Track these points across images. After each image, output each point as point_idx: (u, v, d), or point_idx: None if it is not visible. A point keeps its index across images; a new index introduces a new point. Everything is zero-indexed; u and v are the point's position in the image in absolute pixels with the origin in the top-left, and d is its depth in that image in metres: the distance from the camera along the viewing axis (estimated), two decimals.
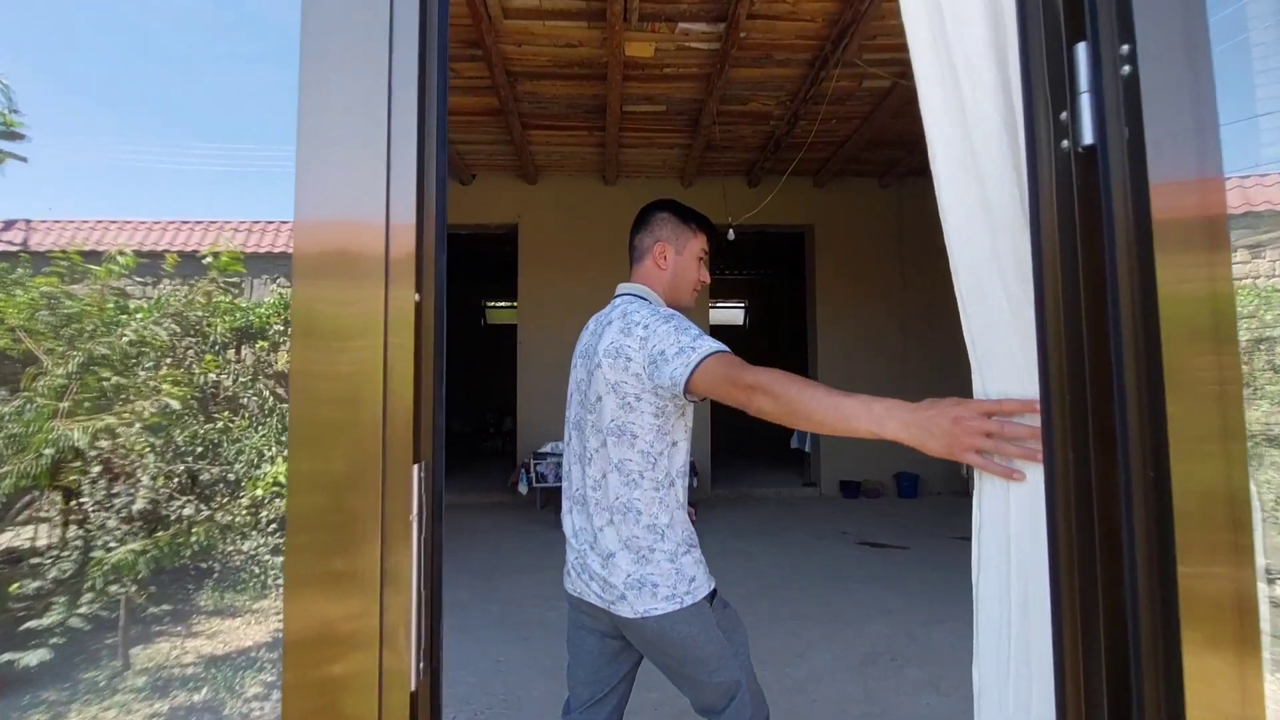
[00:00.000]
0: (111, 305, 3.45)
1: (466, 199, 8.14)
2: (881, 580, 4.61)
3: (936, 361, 8.41)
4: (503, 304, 14.04)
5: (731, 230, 6.73)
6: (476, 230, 8.49)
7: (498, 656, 3.44)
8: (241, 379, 4.09)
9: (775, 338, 14.45)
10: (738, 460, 10.75)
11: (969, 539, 1.00)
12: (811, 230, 8.49)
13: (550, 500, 6.63)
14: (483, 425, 14.16)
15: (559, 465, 6.34)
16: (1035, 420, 0.84)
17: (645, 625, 1.40)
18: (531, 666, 3.32)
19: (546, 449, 6.75)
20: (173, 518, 3.25)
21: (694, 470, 6.46)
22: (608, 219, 8.24)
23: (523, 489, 6.33)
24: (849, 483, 8.06)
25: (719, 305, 14.62)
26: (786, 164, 7.45)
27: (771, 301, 14.69)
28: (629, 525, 1.44)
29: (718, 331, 14.36)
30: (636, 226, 1.72)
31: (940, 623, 3.77)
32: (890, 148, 7.39)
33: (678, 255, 1.67)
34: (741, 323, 15.03)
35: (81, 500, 3.16)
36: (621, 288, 1.69)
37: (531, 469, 6.34)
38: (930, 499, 7.98)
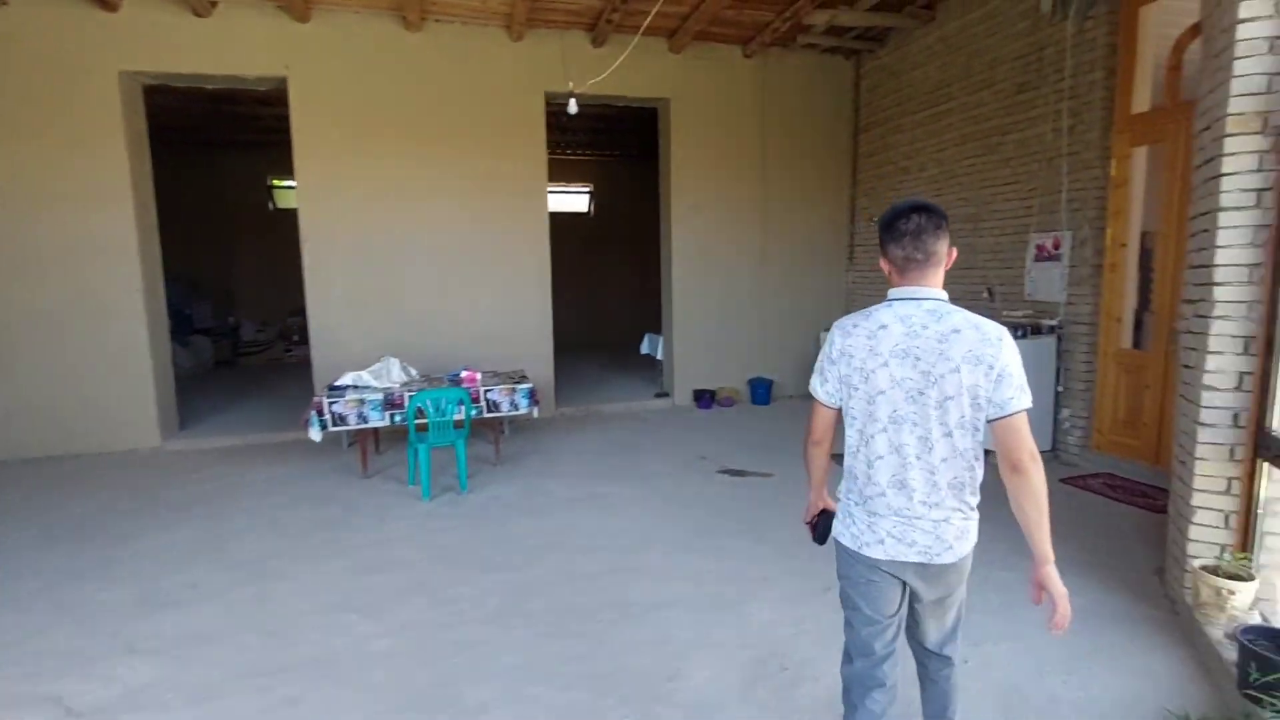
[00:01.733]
0: None
1: (205, 37, 5.84)
2: (752, 530, 4.03)
3: (792, 262, 7.87)
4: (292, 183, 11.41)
5: (574, 101, 5.34)
6: (229, 85, 6.24)
7: None
8: None
9: (625, 227, 13.35)
10: (584, 367, 9.90)
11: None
12: (667, 105, 7.26)
13: (365, 438, 5.31)
14: (285, 332, 11.94)
15: (362, 403, 5.01)
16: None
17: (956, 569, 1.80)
18: None
19: (346, 381, 5.32)
20: None
21: (534, 398, 5.43)
22: (412, 75, 6.41)
23: (314, 434, 4.95)
24: (702, 392, 7.52)
25: (559, 190, 13.08)
26: (639, 19, 6.04)
27: (620, 185, 13.40)
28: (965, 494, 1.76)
29: (558, 219, 12.94)
30: (924, 232, 1.68)
31: (827, 591, 3.23)
32: (759, 6, 6.22)
33: None
34: (586, 209, 13.67)
35: None
36: (924, 291, 1.71)
37: (325, 409, 4.95)
38: (783, 403, 7.71)
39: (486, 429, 5.84)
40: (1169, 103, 4.52)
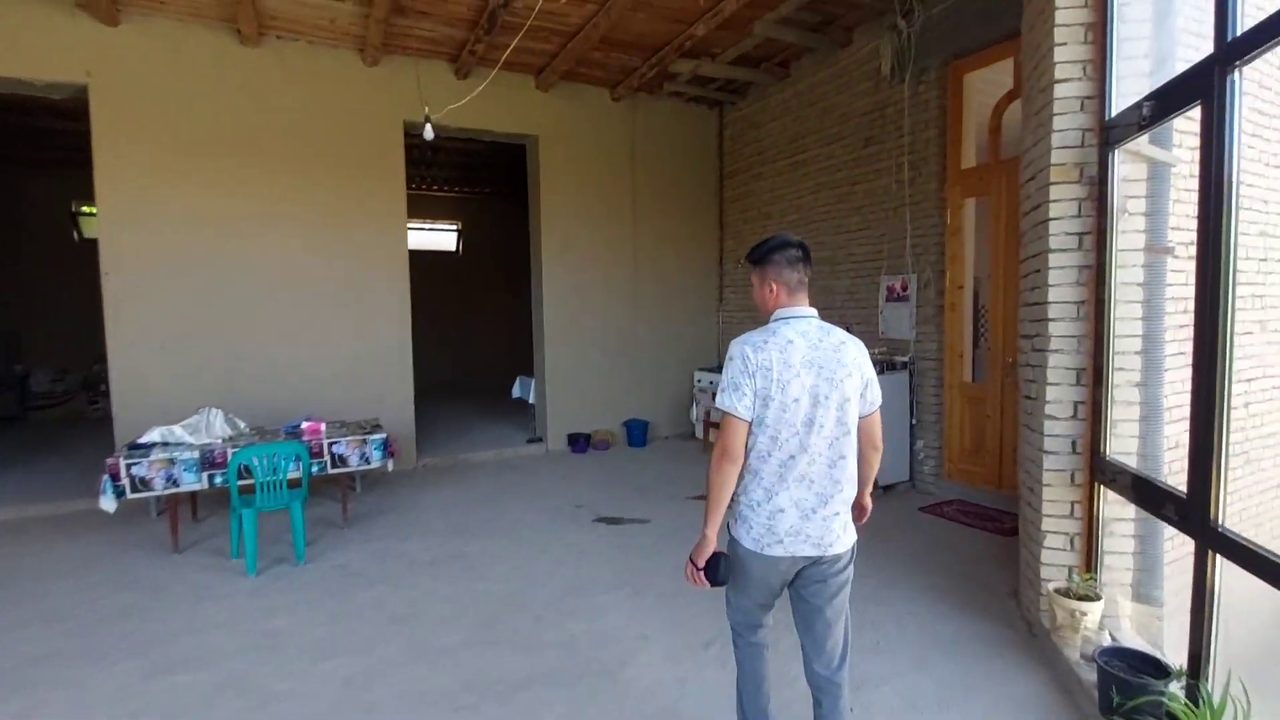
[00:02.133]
0: None
1: None
2: (629, 583, 3.78)
3: (664, 303, 7.91)
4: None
5: (430, 127, 5.04)
6: (12, 90, 5.29)
7: None
8: None
9: (497, 266, 12.94)
10: (452, 414, 9.30)
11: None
12: (536, 142, 7.12)
13: (175, 505, 4.45)
14: (90, 381, 10.23)
15: (172, 463, 4.24)
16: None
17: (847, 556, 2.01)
18: None
19: (153, 437, 4.51)
20: None
21: (389, 450, 4.91)
22: (251, 94, 5.81)
23: (107, 504, 4.09)
24: (577, 435, 7.26)
25: (423, 226, 12.51)
26: (504, 52, 5.88)
27: (490, 224, 13.04)
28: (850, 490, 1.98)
29: (423, 257, 12.31)
30: (806, 260, 2.00)
31: (709, 646, 3.03)
32: (626, 51, 6.30)
33: None
34: (454, 248, 13.14)
35: None
36: (808, 310, 1.97)
37: (123, 472, 4.12)
38: (659, 444, 7.61)
39: (335, 487, 5.19)
40: (992, 160, 5.02)
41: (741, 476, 1.93)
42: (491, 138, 7.06)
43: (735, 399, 1.87)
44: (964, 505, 5.00)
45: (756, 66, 6.70)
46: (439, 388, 11.55)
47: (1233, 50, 1.94)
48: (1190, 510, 2.14)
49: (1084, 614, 2.63)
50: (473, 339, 12.98)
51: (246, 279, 5.86)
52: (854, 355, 1.93)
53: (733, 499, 1.94)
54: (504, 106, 6.80)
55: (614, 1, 5.18)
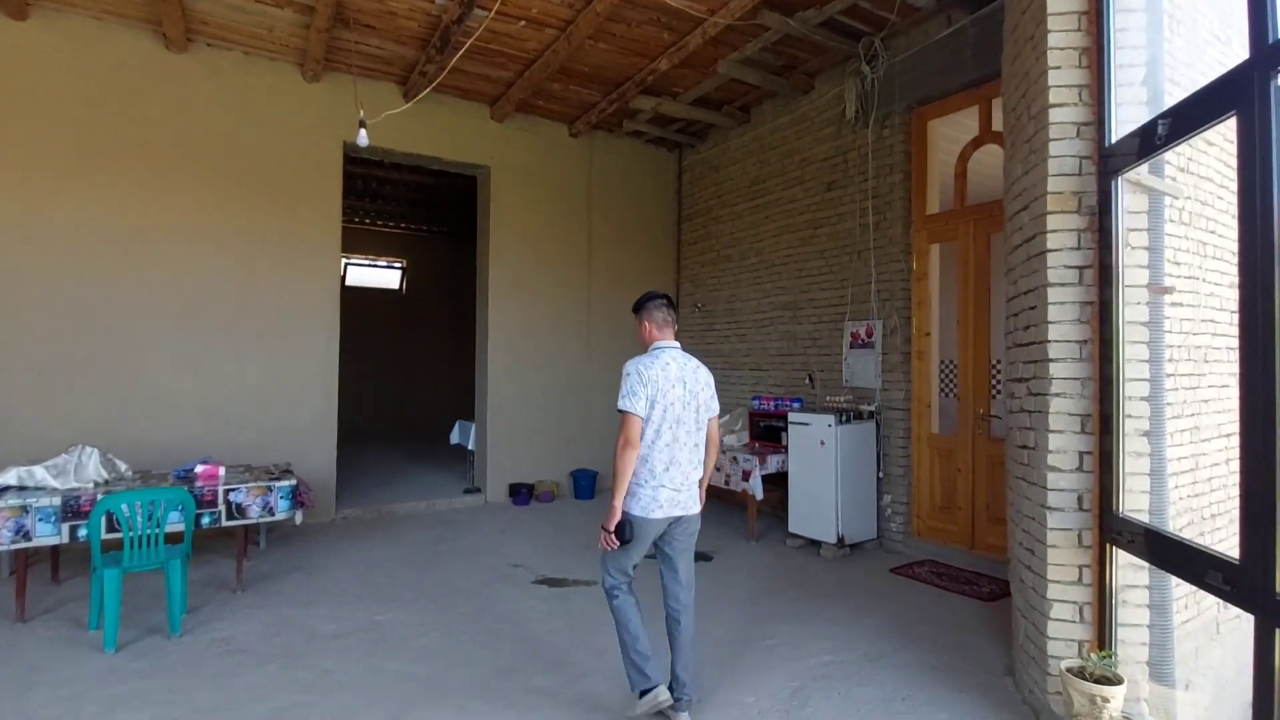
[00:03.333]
0: None
1: None
2: (570, 661, 3.23)
3: (617, 348, 7.53)
4: None
5: (365, 132, 4.63)
6: None
7: None
8: None
9: (442, 307, 12.36)
10: (385, 459, 8.55)
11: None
12: (487, 174, 6.77)
13: (25, 562, 3.64)
14: None
15: (25, 511, 3.52)
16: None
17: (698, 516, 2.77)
18: None
19: (9, 480, 3.75)
20: None
21: (298, 499, 4.27)
22: (170, 102, 5.29)
23: None
24: (519, 486, 6.67)
25: (366, 263, 11.93)
26: (456, 75, 5.57)
27: (438, 263, 12.53)
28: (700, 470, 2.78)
29: (364, 294, 11.66)
30: (671, 306, 2.84)
31: None
32: (586, 83, 6.08)
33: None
34: (398, 286, 12.54)
35: None
36: (674, 343, 2.80)
37: None
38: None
39: (233, 541, 4.46)
40: (958, 206, 4.92)
41: (641, 458, 2.61)
42: (441, 165, 6.67)
43: (634, 402, 2.57)
44: (936, 566, 4.66)
45: (718, 109, 6.59)
46: (373, 433, 10.75)
47: (1275, 54, 1.73)
48: (1245, 579, 1.81)
49: (1107, 700, 2.26)
50: (414, 382, 12.27)
51: (148, 304, 5.19)
52: (705, 375, 2.79)
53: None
54: (455, 134, 6.45)
55: (575, 28, 4.96)
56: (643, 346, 2.82)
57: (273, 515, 4.17)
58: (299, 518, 4.29)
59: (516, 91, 6.06)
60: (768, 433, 5.70)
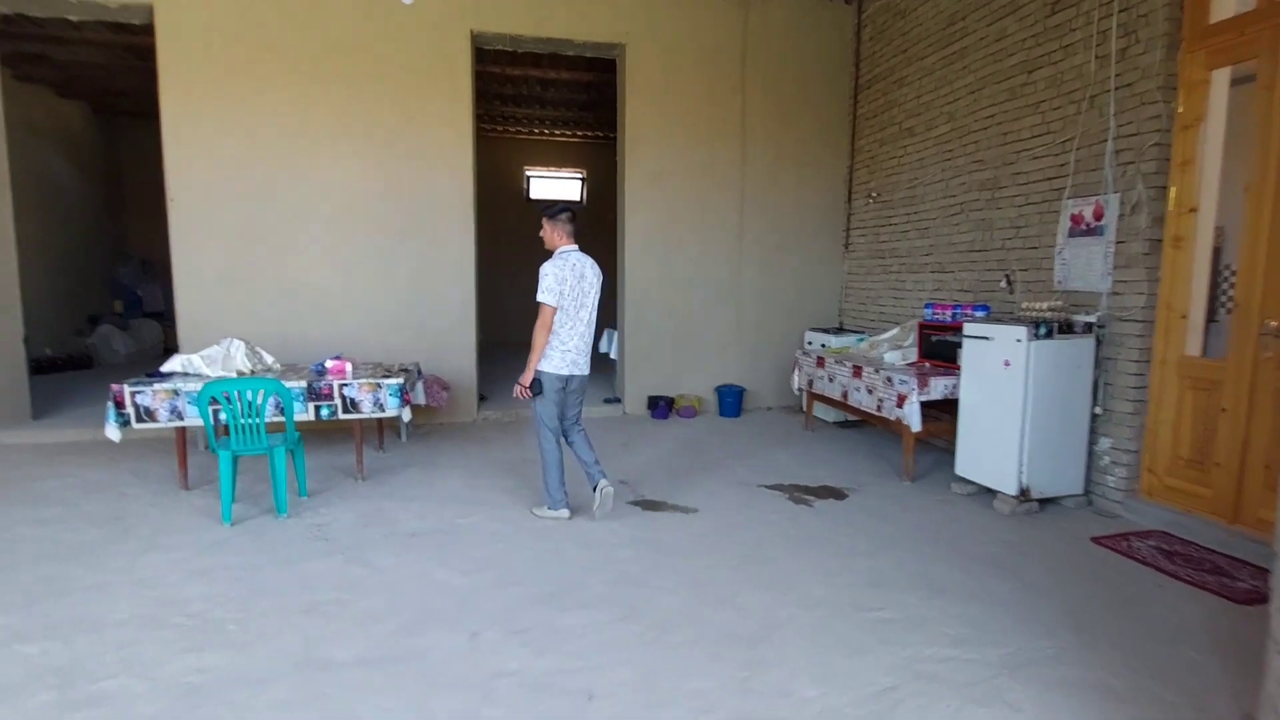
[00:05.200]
0: None
1: None
2: (619, 599, 2.77)
3: (776, 247, 6.57)
4: None
5: None
6: (91, 15, 5.25)
7: None
8: None
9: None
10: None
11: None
12: (623, 51, 6.07)
13: (183, 438, 4.19)
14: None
15: (176, 394, 3.93)
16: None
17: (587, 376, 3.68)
18: None
19: (174, 366, 4.25)
20: None
21: (446, 386, 4.47)
22: (310, 6, 5.34)
23: (112, 433, 3.88)
24: (658, 399, 6.27)
25: (547, 175, 12.00)
26: None
27: (615, 169, 12.18)
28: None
29: (536, 208, 11.78)
30: (574, 219, 3.66)
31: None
32: None
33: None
34: (579, 197, 12.52)
35: None
36: (575, 247, 3.61)
37: (127, 400, 3.88)
38: (758, 415, 6.40)
39: (371, 432, 4.71)
40: (1264, 2, 3.14)
41: (553, 332, 3.50)
42: (574, 50, 6.11)
43: (553, 296, 3.45)
44: (1169, 541, 3.33)
45: None
46: (504, 327, 11.09)
47: None
48: None
49: None
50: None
51: (303, 209, 5.53)
52: (597, 272, 3.63)
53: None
54: (588, 9, 5.81)
55: None
56: (547, 248, 3.64)
57: (382, 411, 4.25)
58: (406, 415, 4.34)
59: None
60: (940, 349, 4.52)
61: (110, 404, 3.92)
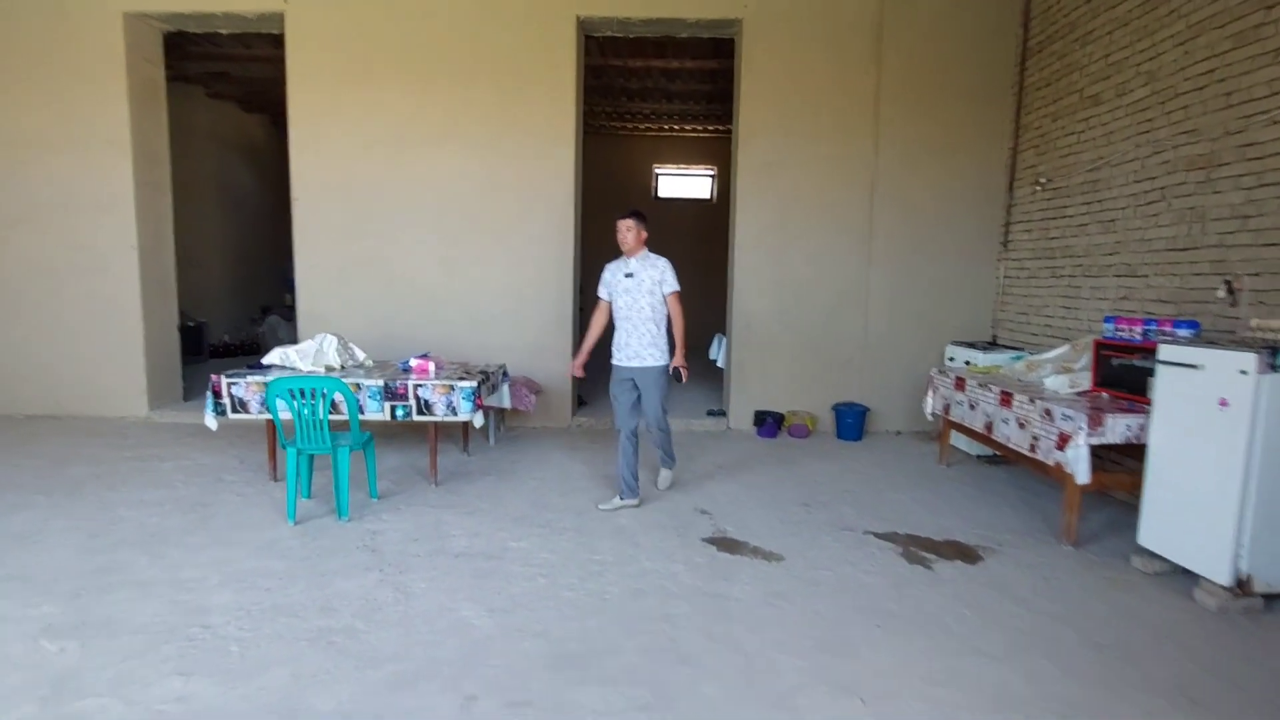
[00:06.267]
0: None
1: None
2: (656, 674, 2.27)
3: (914, 246, 5.65)
4: None
5: None
6: (232, 27, 5.64)
7: None
8: None
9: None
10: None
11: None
12: (740, 28, 5.49)
13: (271, 431, 4.28)
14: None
15: (262, 387, 4.00)
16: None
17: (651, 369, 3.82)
18: None
19: (274, 359, 4.37)
20: None
21: (537, 389, 4.28)
22: (419, 2, 5.34)
23: (209, 422, 4.05)
24: (765, 414, 5.63)
25: (675, 172, 11.61)
26: None
27: None
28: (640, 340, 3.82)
29: (672, 206, 11.39)
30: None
31: None
32: None
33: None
34: (709, 195, 12.01)
35: None
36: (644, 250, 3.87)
37: (225, 391, 4.01)
38: (880, 439, 5.54)
39: (458, 433, 4.59)
40: None
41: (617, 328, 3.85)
42: (688, 30, 5.63)
43: (603, 291, 3.92)
44: None
45: None
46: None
47: None
48: None
49: None
50: (718, 294, 11.81)
51: (409, 205, 5.57)
52: (649, 271, 3.79)
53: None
54: None
55: None
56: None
57: (455, 415, 4.07)
58: (478, 420, 4.12)
59: None
60: (1123, 376, 3.49)
61: (209, 393, 4.08)
